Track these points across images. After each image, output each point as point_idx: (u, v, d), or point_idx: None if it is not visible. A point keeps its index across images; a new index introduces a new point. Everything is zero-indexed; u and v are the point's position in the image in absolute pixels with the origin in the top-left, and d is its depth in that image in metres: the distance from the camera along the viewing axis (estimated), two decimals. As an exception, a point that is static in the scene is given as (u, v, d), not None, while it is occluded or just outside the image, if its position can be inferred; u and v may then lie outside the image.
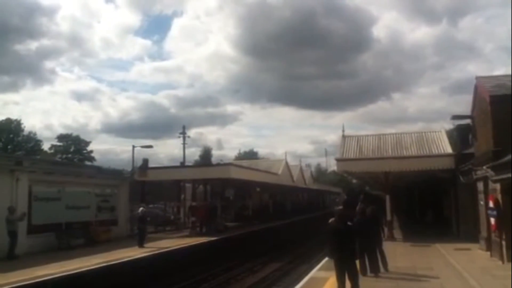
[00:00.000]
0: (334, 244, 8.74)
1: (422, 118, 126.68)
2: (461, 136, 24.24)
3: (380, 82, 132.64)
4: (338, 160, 21.85)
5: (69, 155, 64.53)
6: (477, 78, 16.22)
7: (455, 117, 18.13)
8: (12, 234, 15.87)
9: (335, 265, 8.74)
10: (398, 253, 15.70)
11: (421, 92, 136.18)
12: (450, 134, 23.48)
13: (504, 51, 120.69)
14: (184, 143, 49.82)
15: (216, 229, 24.74)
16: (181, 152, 49.84)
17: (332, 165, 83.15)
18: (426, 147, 21.48)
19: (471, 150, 19.37)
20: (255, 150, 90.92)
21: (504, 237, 13.21)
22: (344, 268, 8.61)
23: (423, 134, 23.24)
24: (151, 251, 17.48)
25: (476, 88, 16.33)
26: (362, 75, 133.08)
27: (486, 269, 12.52)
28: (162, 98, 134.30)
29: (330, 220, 9.15)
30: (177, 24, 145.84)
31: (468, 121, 19.58)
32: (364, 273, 11.32)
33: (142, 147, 28.89)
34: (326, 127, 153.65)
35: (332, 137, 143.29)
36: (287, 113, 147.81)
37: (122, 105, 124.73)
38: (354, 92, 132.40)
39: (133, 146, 27.51)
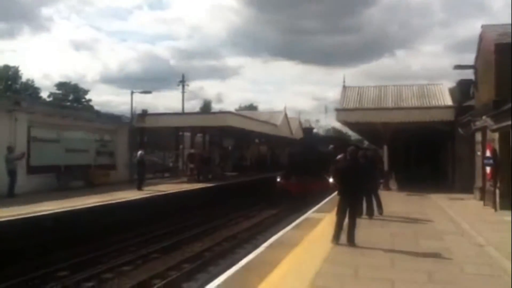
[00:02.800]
0: (342, 181, 8.69)
1: (425, 76, 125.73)
2: (462, 90, 24.05)
3: (384, 38, 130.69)
4: (337, 110, 21.76)
5: (68, 103, 64.23)
6: (483, 26, 15.95)
7: (458, 66, 17.91)
8: (11, 173, 16.01)
9: (339, 202, 8.76)
10: (393, 200, 15.86)
11: (425, 50, 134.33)
12: (452, 91, 23.27)
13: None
14: (183, 92, 49.36)
15: (213, 177, 24.97)
16: (180, 105, 49.39)
17: (331, 122, 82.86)
18: (427, 99, 21.39)
19: (471, 103, 19.32)
20: (255, 104, 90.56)
21: (498, 185, 13.39)
22: (347, 205, 8.60)
23: (424, 86, 23.12)
24: (149, 194, 17.73)
25: (481, 37, 16.08)
26: (367, 31, 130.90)
27: (478, 215, 12.77)
28: (162, 49, 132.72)
29: (338, 157, 9.10)
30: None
31: (470, 76, 19.44)
32: (360, 215, 11.51)
33: (141, 92, 28.67)
34: (328, 83, 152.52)
35: (333, 94, 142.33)
36: (288, 68, 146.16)
37: (121, 56, 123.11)
38: (358, 48, 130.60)
39: (132, 92, 27.43)
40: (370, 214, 11.97)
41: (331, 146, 23.24)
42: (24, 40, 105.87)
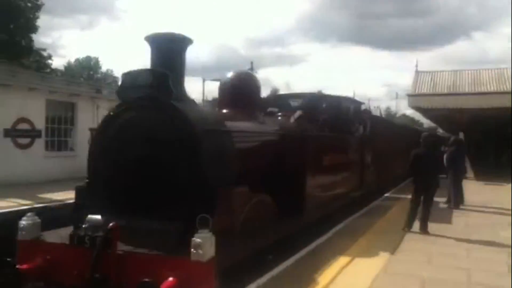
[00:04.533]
0: (417, 169, 8.52)
1: (506, 60, 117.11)
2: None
3: (460, 19, 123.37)
4: (410, 95, 21.07)
5: (146, 91, 67.13)
6: None
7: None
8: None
9: (413, 189, 8.67)
10: (470, 190, 15.18)
11: (506, 32, 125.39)
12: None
13: None
14: (251, 79, 49.98)
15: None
16: (249, 92, 49.93)
17: (402, 109, 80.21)
18: (507, 83, 20.16)
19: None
20: (323, 92, 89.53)
21: None
22: (422, 193, 8.51)
23: (505, 70, 21.77)
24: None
25: None
26: (442, 12, 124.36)
27: None
28: (232, 38, 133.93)
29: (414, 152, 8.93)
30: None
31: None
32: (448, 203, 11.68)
33: (212, 80, 29.44)
34: (399, 68, 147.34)
35: (404, 80, 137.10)
36: (358, 53, 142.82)
37: (193, 45, 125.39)
38: (431, 30, 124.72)
39: (203, 79, 28.18)
40: (457, 202, 11.64)
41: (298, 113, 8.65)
42: (102, 32, 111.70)
